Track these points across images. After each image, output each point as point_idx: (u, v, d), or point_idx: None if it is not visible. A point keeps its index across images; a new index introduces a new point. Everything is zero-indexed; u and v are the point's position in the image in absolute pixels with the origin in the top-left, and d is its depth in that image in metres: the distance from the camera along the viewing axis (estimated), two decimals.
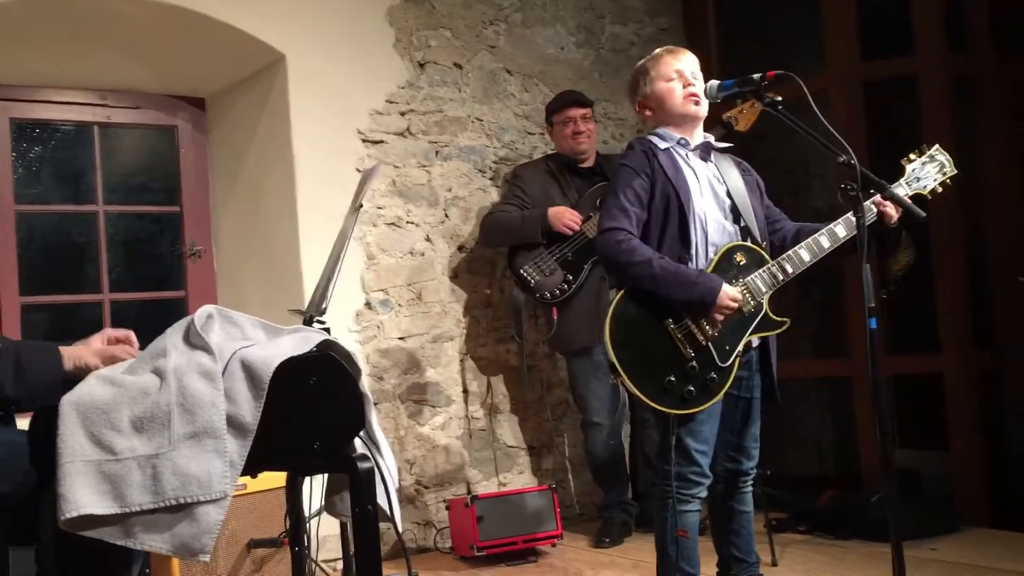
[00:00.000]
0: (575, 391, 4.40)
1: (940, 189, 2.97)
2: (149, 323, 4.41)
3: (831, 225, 2.83)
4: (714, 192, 2.87)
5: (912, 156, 2.96)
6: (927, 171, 2.94)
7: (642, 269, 2.69)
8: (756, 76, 2.72)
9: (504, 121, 4.77)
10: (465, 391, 4.56)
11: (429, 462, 4.42)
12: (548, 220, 4.21)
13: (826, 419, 5.28)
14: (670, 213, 2.79)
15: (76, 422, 1.82)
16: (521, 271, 4.25)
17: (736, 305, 2.70)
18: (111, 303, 4.27)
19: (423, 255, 4.48)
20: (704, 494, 2.83)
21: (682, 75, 2.88)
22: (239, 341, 2.04)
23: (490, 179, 4.70)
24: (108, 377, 1.91)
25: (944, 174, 2.96)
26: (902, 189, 2.88)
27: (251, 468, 1.94)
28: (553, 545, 4.13)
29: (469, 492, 4.42)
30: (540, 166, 4.49)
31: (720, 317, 2.70)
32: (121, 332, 2.13)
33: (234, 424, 1.87)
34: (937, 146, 3.00)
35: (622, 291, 2.74)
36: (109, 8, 3.84)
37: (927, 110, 4.36)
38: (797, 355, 4.98)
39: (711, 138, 2.95)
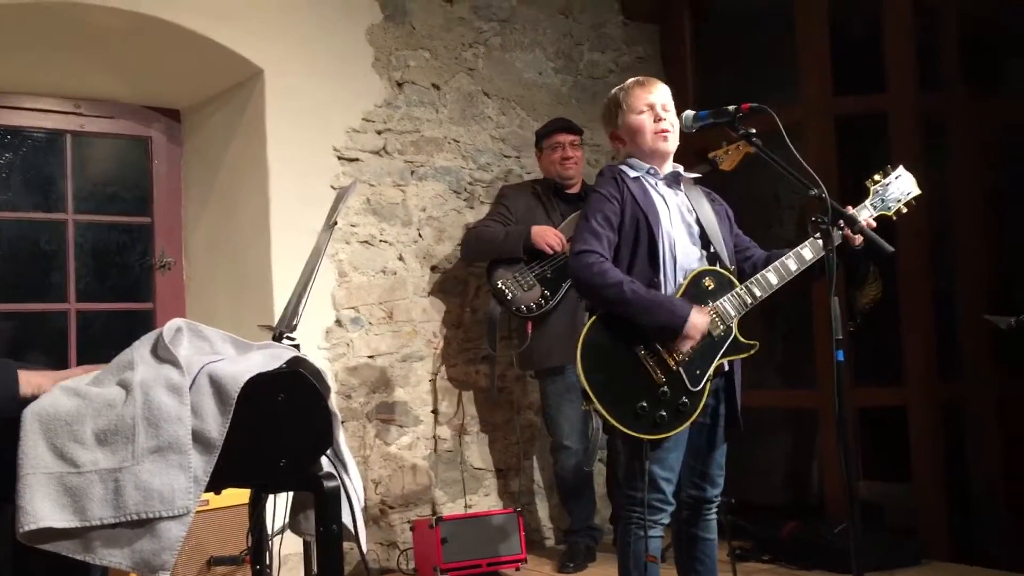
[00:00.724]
0: (546, 413, 4.39)
1: (905, 210, 2.99)
2: (116, 334, 4.37)
3: (797, 248, 2.86)
4: (683, 219, 2.89)
5: (877, 177, 2.98)
6: (892, 192, 2.97)
7: (613, 292, 2.71)
8: (731, 108, 2.74)
9: (480, 143, 4.79)
10: (434, 411, 4.55)
11: (395, 482, 4.39)
12: (531, 237, 4.22)
13: (791, 449, 5.31)
14: (639, 237, 2.81)
15: (38, 433, 1.80)
16: (499, 283, 4.24)
17: (703, 333, 2.72)
18: (78, 313, 4.21)
19: (395, 274, 4.47)
20: (667, 521, 2.83)
21: (653, 108, 2.90)
22: (208, 355, 2.02)
23: (465, 200, 4.71)
24: (72, 388, 1.88)
25: (908, 194, 2.99)
26: (867, 211, 2.92)
27: (216, 484, 1.92)
28: (517, 569, 4.11)
29: (434, 513, 4.39)
30: (527, 188, 4.52)
31: (686, 347, 2.72)
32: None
33: (200, 439, 1.85)
34: (901, 166, 3.02)
35: (593, 317, 2.76)
36: (86, 17, 3.82)
37: (897, 146, 4.42)
38: (764, 385, 5.02)
39: (680, 168, 2.97)
